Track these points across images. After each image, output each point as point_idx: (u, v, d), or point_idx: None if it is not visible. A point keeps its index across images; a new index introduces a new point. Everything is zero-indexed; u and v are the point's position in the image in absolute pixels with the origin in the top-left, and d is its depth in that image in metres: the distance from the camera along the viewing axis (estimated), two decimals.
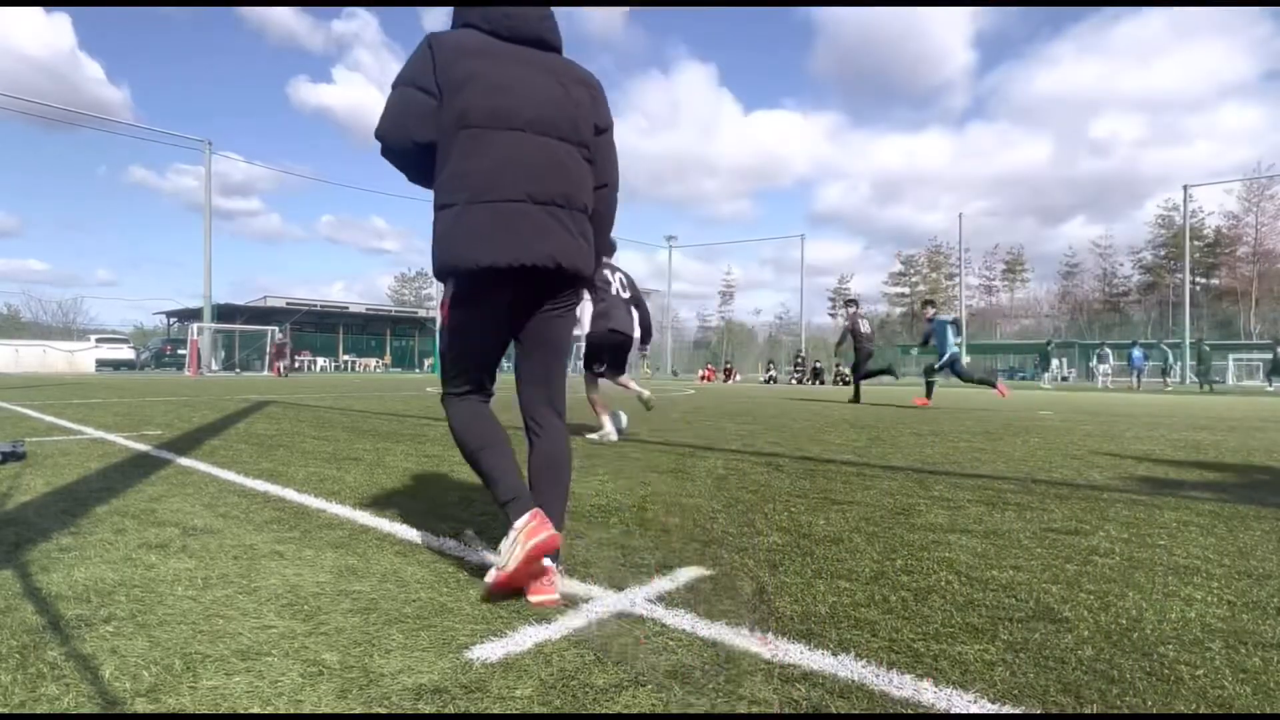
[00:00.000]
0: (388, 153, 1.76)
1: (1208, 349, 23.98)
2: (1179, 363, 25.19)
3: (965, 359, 9.55)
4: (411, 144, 1.72)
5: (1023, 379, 37.50)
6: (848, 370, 25.95)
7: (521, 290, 1.74)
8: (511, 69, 1.73)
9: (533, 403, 1.86)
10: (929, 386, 10.16)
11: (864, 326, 10.84)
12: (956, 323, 10.45)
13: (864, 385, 11.27)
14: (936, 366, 10.11)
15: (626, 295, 5.38)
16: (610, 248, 4.29)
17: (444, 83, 1.69)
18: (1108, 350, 26.63)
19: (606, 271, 5.22)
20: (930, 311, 10.47)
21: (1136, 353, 25.07)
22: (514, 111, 1.70)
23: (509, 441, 1.81)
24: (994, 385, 10.14)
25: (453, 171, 1.69)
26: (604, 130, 1.90)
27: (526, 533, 1.58)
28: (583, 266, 1.77)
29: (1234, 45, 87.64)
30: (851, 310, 11.01)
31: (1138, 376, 25.04)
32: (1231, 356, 34.54)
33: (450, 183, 1.69)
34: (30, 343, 31.66)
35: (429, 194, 1.78)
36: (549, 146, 1.73)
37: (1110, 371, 26.16)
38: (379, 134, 1.74)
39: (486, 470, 1.76)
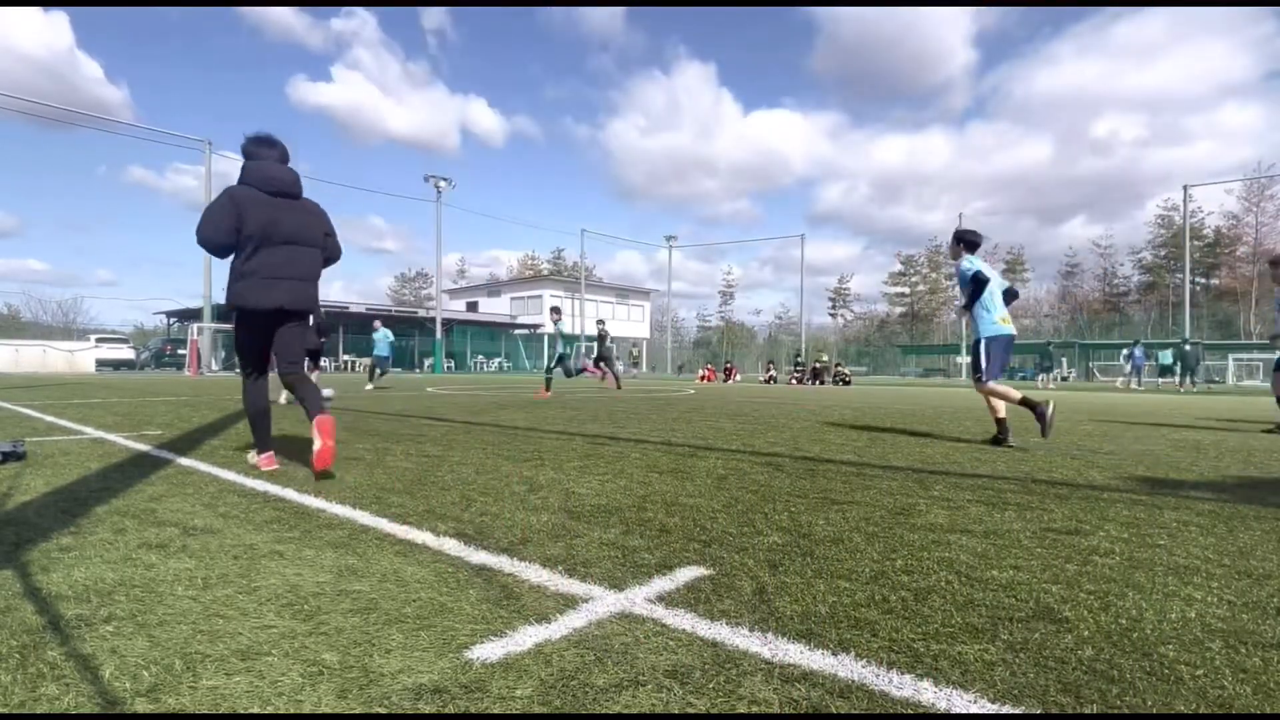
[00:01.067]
0: (202, 244, 3.28)
1: (1188, 349, 23.91)
2: (1177, 363, 24.98)
3: (570, 361, 12.93)
4: (215, 243, 3.28)
5: (1023, 379, 37.48)
6: (847, 371, 25.96)
7: (276, 318, 3.47)
8: (272, 211, 3.35)
9: (288, 369, 3.58)
10: (548, 382, 12.60)
11: (565, 328, 13.47)
12: (571, 335, 13.93)
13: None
14: (550, 366, 12.68)
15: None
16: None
17: (238, 213, 3.25)
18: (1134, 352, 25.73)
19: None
20: (555, 317, 12.77)
21: (1138, 351, 24.99)
22: (274, 233, 3.35)
23: (269, 411, 3.60)
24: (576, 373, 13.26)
25: (245, 263, 3.32)
26: (330, 233, 3.65)
27: (261, 463, 3.49)
28: (306, 306, 3.52)
29: (1235, 44, 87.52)
30: (555, 317, 13.19)
31: (1138, 375, 25.00)
32: (1231, 356, 34.52)
33: (243, 267, 3.32)
34: (30, 343, 31.64)
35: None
36: (294, 250, 3.42)
37: (1138, 371, 25.37)
38: (198, 237, 3.27)
39: (255, 427, 3.54)
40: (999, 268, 75.40)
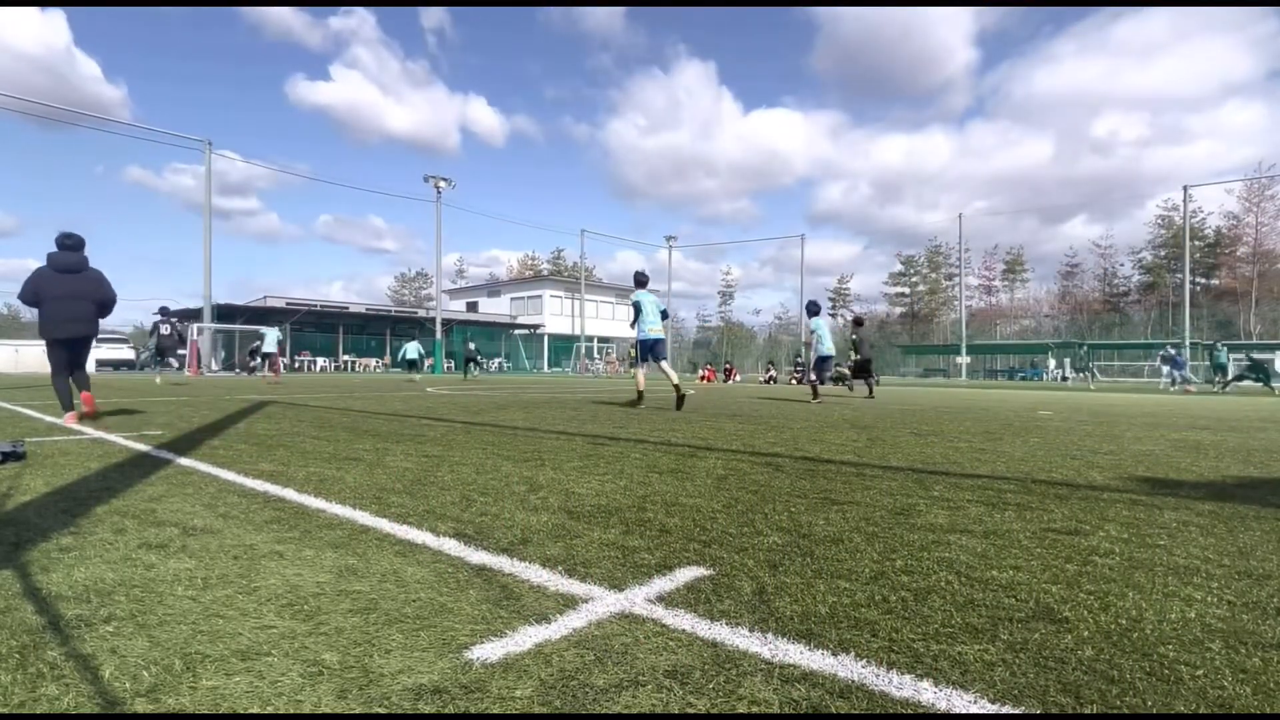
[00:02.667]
0: (20, 300, 5.98)
1: (1257, 358, 23.62)
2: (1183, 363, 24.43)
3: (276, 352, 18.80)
4: (27, 301, 5.93)
5: (1023, 378, 37.45)
6: (846, 371, 26.18)
7: (68, 344, 6.13)
8: (60, 280, 5.97)
9: (75, 374, 6.25)
10: (254, 370, 19.64)
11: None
12: (278, 334, 19.49)
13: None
14: (250, 353, 16.23)
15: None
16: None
17: (38, 286, 5.91)
18: (1172, 351, 24.89)
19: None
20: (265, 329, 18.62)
21: (1177, 354, 24.67)
22: (58, 295, 5.94)
23: (71, 390, 6.16)
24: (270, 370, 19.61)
25: (44, 312, 5.95)
26: (101, 296, 6.20)
27: (70, 418, 5.86)
28: (83, 334, 6.15)
29: (1237, 43, 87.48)
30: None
31: (1180, 376, 24.39)
32: (1231, 356, 34.52)
33: (43, 314, 5.95)
34: (30, 343, 31.58)
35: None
36: (75, 303, 6.02)
37: (1186, 376, 24.42)
38: (20, 298, 5.98)
39: (59, 396, 6.11)
40: (999, 268, 76.01)
